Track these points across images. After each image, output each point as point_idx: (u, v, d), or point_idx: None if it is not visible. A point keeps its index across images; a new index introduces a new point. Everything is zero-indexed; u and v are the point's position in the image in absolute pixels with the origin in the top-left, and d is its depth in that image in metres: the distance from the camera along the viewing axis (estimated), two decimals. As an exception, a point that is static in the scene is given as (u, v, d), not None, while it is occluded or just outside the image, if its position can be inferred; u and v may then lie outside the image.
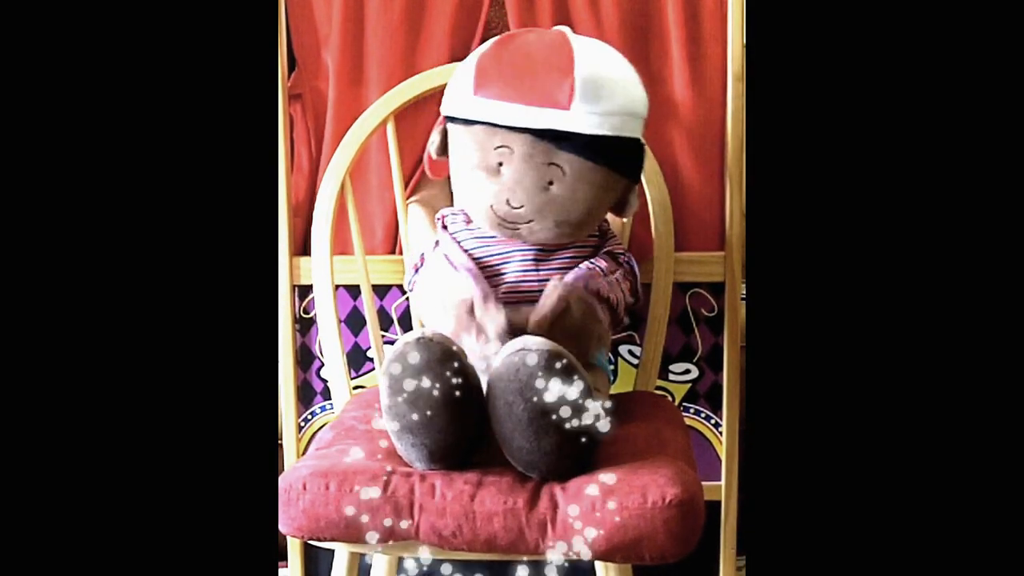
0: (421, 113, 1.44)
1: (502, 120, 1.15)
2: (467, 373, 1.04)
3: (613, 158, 1.16)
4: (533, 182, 1.15)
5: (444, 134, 1.22)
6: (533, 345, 1.01)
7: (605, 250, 1.24)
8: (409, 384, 1.02)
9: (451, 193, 1.32)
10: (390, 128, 1.38)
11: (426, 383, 1.02)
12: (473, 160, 1.17)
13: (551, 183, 1.15)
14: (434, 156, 1.24)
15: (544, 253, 1.21)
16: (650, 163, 1.36)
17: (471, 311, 1.14)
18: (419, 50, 1.44)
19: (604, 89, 1.15)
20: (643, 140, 1.21)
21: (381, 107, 1.38)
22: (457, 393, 1.02)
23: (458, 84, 1.20)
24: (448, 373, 1.02)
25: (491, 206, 1.17)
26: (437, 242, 1.26)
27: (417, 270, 1.27)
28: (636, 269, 1.27)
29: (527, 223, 1.17)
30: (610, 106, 1.15)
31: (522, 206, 1.16)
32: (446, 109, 1.21)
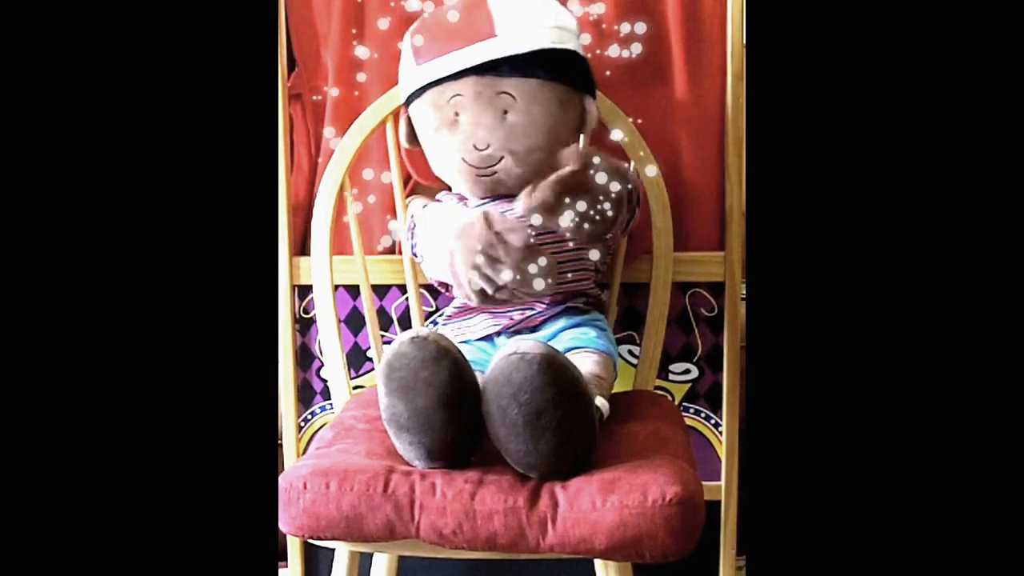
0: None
1: (445, 71, 1.21)
2: (462, 370, 1.04)
3: (555, 71, 1.22)
4: (490, 117, 1.20)
5: (409, 122, 1.28)
6: (526, 349, 1.01)
7: None
8: (405, 383, 1.03)
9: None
10: (390, 128, 1.38)
11: (420, 381, 1.02)
12: (433, 123, 1.23)
13: (506, 112, 1.20)
14: (405, 144, 1.30)
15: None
16: (649, 163, 1.36)
17: (486, 226, 1.16)
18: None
19: (523, 10, 1.22)
20: (581, 52, 1.26)
21: (381, 107, 1.38)
22: (452, 391, 1.02)
23: (404, 67, 1.27)
24: (442, 371, 1.02)
25: (462, 159, 1.22)
26: (425, 205, 1.31)
27: (412, 233, 1.30)
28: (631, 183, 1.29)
29: (500, 162, 1.21)
30: (535, 22, 1.22)
31: (488, 145, 1.21)
32: (402, 98, 1.28)
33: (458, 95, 1.21)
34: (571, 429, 1.02)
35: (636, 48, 1.32)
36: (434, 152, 1.26)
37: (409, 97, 1.27)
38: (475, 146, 1.21)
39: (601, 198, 1.17)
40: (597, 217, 1.17)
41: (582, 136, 1.30)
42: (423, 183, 1.42)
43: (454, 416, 1.03)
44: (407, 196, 1.44)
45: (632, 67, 1.42)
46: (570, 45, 1.24)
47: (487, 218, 1.17)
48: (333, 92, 1.45)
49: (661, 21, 1.42)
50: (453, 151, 1.23)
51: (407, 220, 1.34)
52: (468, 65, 1.21)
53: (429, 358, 1.02)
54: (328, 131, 1.45)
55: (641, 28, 1.33)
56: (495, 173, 1.21)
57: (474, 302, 1.21)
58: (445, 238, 1.20)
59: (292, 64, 1.46)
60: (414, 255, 1.32)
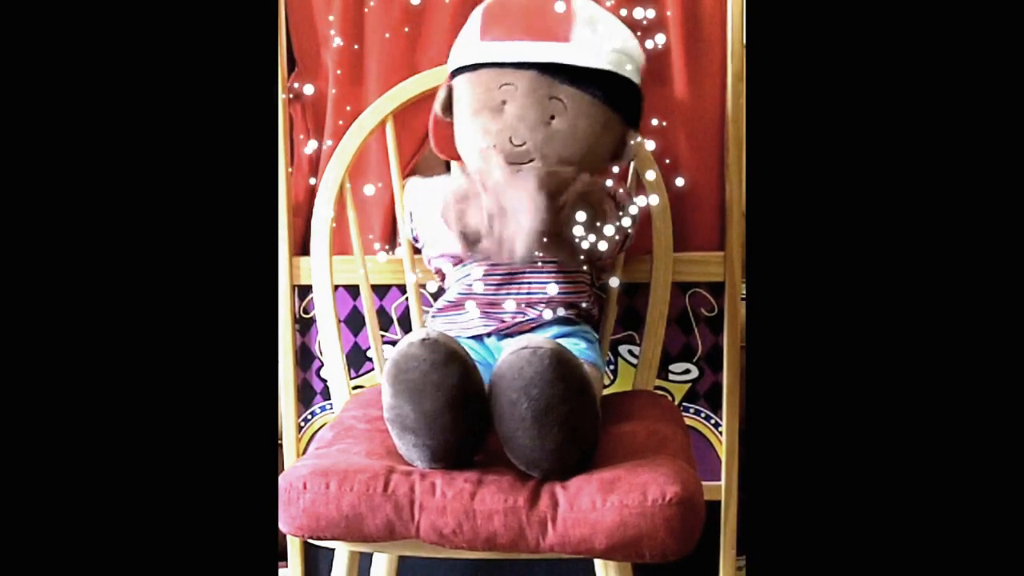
0: (420, 113, 1.44)
1: (508, 57, 1.20)
2: (470, 374, 1.04)
3: (611, 94, 1.21)
4: (535, 116, 1.19)
5: (449, 91, 1.26)
6: (537, 344, 1.01)
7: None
8: (413, 385, 1.02)
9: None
10: (389, 128, 1.38)
11: (429, 384, 1.02)
12: (478, 103, 1.22)
13: (552, 117, 1.19)
14: (439, 112, 1.28)
15: None
16: (649, 163, 1.36)
17: (469, 186, 1.14)
18: (419, 50, 1.44)
19: (602, 26, 1.22)
20: (639, 87, 1.26)
21: (381, 107, 1.38)
22: (460, 394, 1.02)
23: (465, 37, 1.26)
24: (451, 374, 1.02)
25: (493, 145, 1.20)
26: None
27: (411, 217, 1.32)
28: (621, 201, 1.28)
29: (528, 162, 1.19)
30: (608, 43, 1.21)
31: (524, 143, 1.19)
32: (452, 64, 1.26)
33: (511, 84, 1.20)
34: (577, 426, 1.02)
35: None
36: (467, 130, 1.24)
37: (461, 68, 1.25)
38: (511, 139, 1.19)
39: (606, 228, 1.17)
40: (593, 240, 1.14)
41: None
42: (437, 154, 1.40)
43: (460, 419, 1.03)
44: (405, 178, 1.43)
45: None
46: (632, 76, 1.24)
47: (467, 186, 1.16)
48: (333, 92, 1.45)
49: (661, 21, 1.41)
50: (488, 136, 1.21)
51: (404, 209, 1.34)
52: (534, 60, 1.20)
53: (439, 361, 1.02)
54: (328, 131, 1.45)
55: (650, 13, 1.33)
56: (519, 170, 1.19)
57: (466, 251, 1.18)
58: (436, 202, 1.19)
59: (292, 64, 1.46)
60: (415, 240, 1.32)
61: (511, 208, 1.10)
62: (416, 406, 1.02)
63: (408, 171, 1.45)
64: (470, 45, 1.25)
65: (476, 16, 1.26)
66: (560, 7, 1.21)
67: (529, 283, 1.25)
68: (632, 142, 1.25)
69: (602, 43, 1.21)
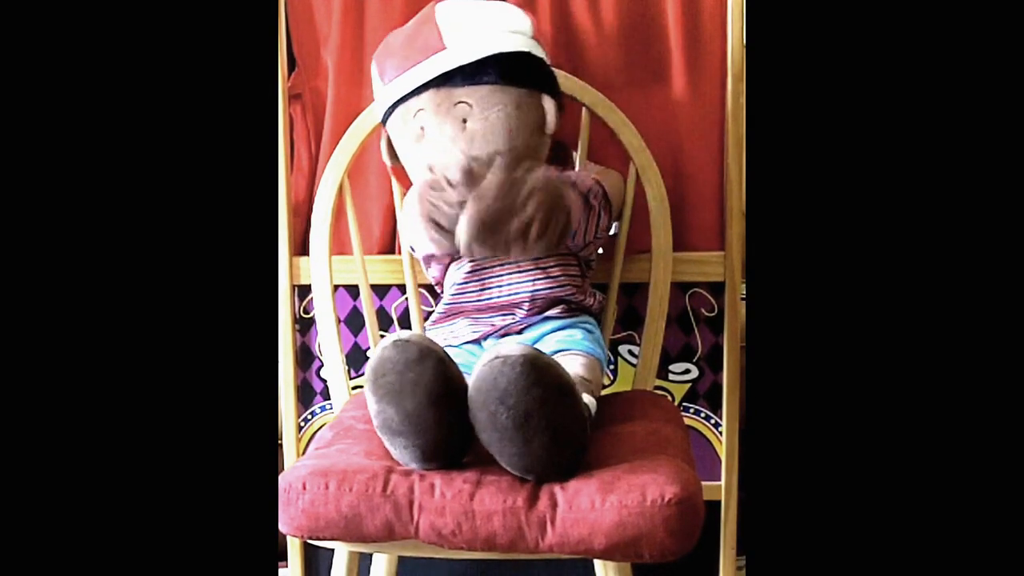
0: (421, 113, 1.44)
1: (406, 89, 1.24)
2: (447, 369, 1.04)
3: (506, 74, 1.23)
4: (450, 128, 1.22)
5: (388, 140, 1.30)
6: (508, 351, 1.01)
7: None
8: (392, 387, 1.03)
9: None
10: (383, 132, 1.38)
11: (407, 383, 1.02)
12: (405, 138, 1.26)
13: (465, 121, 1.22)
14: (388, 162, 1.32)
15: None
16: (650, 162, 1.36)
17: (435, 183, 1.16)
18: (419, 50, 1.44)
19: (469, 19, 1.24)
20: (538, 53, 1.27)
21: (381, 107, 1.38)
22: (439, 389, 1.03)
23: (374, 89, 1.31)
24: (427, 370, 1.02)
25: (429, 168, 1.23)
26: None
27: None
28: (596, 193, 1.28)
29: (468, 175, 1.20)
30: (481, 29, 1.24)
31: (451, 160, 1.21)
32: (378, 115, 1.31)
33: (421, 109, 1.23)
34: (561, 427, 1.02)
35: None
36: (411, 166, 1.28)
37: (384, 116, 1.29)
38: (432, 169, 1.23)
39: (573, 219, 1.17)
40: (542, 228, 1.13)
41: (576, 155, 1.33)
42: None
43: (444, 415, 1.03)
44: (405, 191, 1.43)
45: (632, 67, 1.42)
46: (522, 47, 1.25)
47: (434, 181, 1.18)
48: (333, 92, 1.45)
49: (661, 21, 1.42)
50: (424, 163, 1.24)
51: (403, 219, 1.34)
52: (424, 79, 1.23)
53: (413, 359, 1.02)
54: (328, 131, 1.45)
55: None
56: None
57: (437, 248, 1.19)
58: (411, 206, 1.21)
59: (292, 64, 1.46)
60: (412, 250, 1.33)
61: (476, 195, 1.11)
62: (398, 407, 1.03)
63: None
64: (379, 93, 1.29)
65: (373, 67, 1.30)
66: (427, 22, 1.25)
67: (511, 284, 1.26)
68: (550, 106, 1.26)
69: (474, 33, 1.23)
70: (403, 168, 1.31)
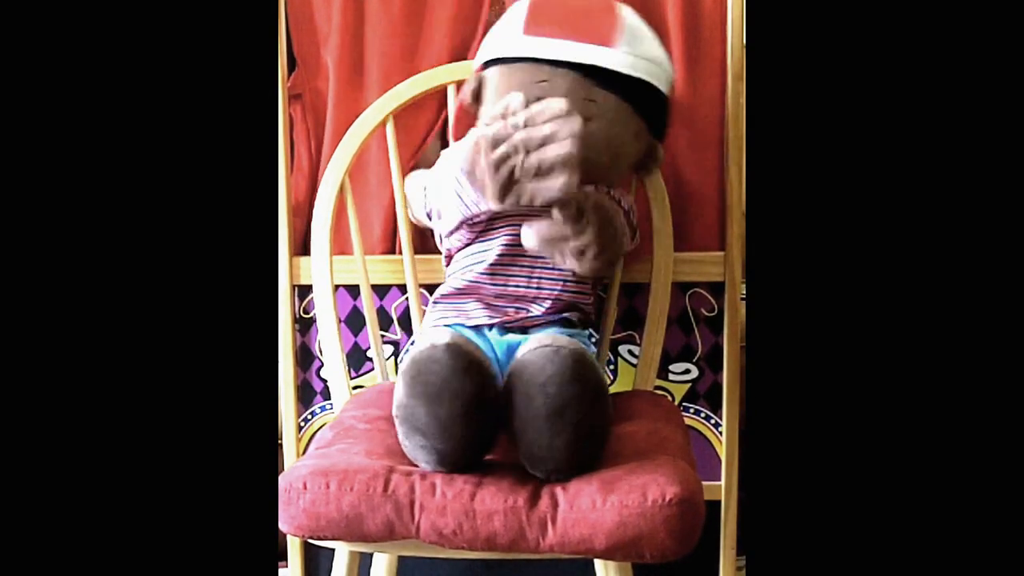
0: (421, 113, 1.44)
1: (549, 55, 1.19)
2: (488, 382, 1.03)
3: (646, 105, 1.22)
4: None
5: (479, 80, 1.25)
6: (561, 343, 1.01)
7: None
8: (431, 388, 1.02)
9: None
10: (390, 128, 1.38)
11: (447, 391, 1.01)
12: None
13: (587, 119, 1.14)
14: (467, 101, 1.26)
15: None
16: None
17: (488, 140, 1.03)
18: (419, 50, 1.44)
19: (644, 37, 1.23)
20: (669, 102, 1.27)
21: (381, 107, 1.39)
22: (476, 403, 1.02)
23: (505, 28, 1.25)
24: (470, 382, 1.02)
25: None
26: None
27: (425, 193, 1.28)
28: (634, 210, 1.29)
29: None
30: (648, 53, 1.22)
31: None
32: (488, 54, 1.25)
33: (548, 82, 1.19)
34: (589, 429, 1.02)
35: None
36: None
37: (495, 60, 1.24)
38: None
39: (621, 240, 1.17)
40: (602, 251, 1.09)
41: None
42: (456, 143, 1.38)
43: (472, 426, 1.03)
44: (407, 174, 1.43)
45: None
46: (665, 89, 1.25)
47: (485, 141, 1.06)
48: (333, 92, 1.45)
49: (661, 21, 1.42)
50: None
51: (415, 189, 1.33)
52: (576, 61, 1.19)
53: (460, 368, 1.01)
54: (328, 131, 1.45)
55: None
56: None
57: (499, 200, 1.03)
58: (465, 155, 1.11)
59: (292, 64, 1.46)
60: (429, 216, 1.29)
61: (545, 138, 1.00)
62: (430, 410, 1.02)
63: (409, 169, 1.45)
64: (512, 37, 1.23)
65: (520, 10, 1.24)
66: (607, 12, 1.22)
67: (540, 278, 1.25)
68: (661, 153, 1.27)
69: (642, 52, 1.22)
70: (470, 115, 1.27)
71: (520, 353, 1.03)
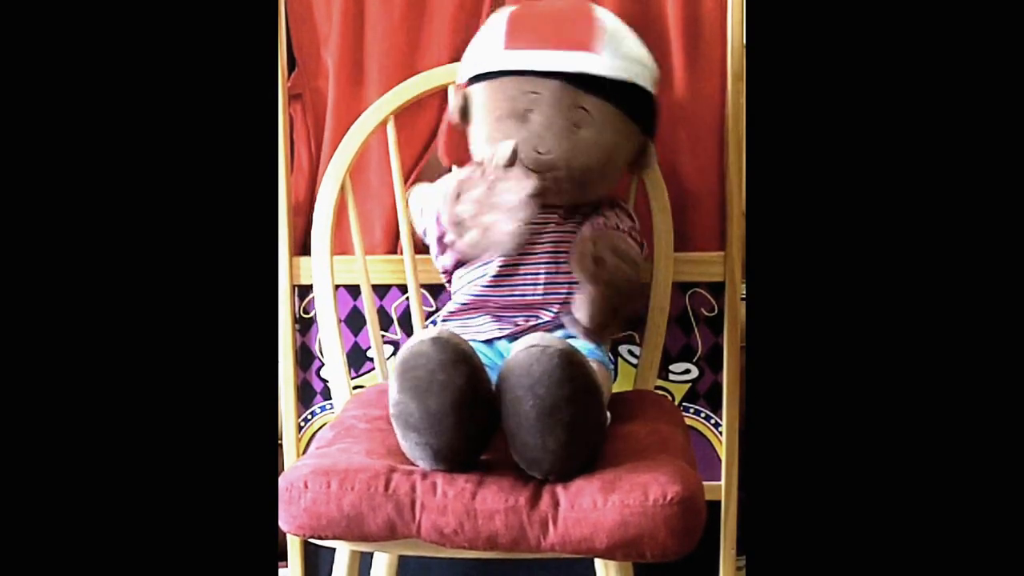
0: (421, 113, 1.44)
1: (533, 66, 1.20)
2: (478, 376, 1.03)
3: (634, 106, 1.23)
4: (562, 125, 1.19)
5: (465, 97, 1.26)
6: (547, 342, 1.01)
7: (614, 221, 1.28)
8: (419, 382, 1.02)
9: None
10: (390, 128, 1.38)
11: (436, 383, 1.02)
12: (501, 110, 1.21)
13: (577, 127, 1.20)
14: (455, 119, 1.28)
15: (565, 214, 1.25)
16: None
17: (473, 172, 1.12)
18: (419, 50, 1.44)
19: (626, 39, 1.24)
20: (656, 100, 1.28)
21: (381, 107, 1.39)
22: (466, 396, 1.02)
23: (485, 43, 1.25)
24: (459, 375, 1.02)
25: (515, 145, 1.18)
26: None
27: (421, 211, 1.29)
28: (636, 222, 1.31)
29: (553, 171, 1.19)
30: (632, 54, 1.23)
31: (549, 152, 1.19)
32: (471, 71, 1.26)
33: (536, 93, 1.20)
34: (582, 428, 1.02)
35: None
36: (488, 138, 1.23)
37: (479, 75, 1.24)
38: (537, 148, 1.19)
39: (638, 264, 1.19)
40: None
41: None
42: (442, 159, 1.39)
43: (465, 420, 1.03)
44: (408, 188, 1.43)
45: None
46: (650, 87, 1.26)
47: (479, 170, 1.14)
48: (333, 92, 1.45)
49: (661, 21, 1.42)
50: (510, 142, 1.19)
51: (414, 207, 1.34)
52: (560, 69, 1.20)
53: (448, 360, 1.01)
54: (328, 131, 1.45)
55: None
56: (544, 179, 1.18)
57: (458, 248, 1.14)
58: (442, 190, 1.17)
59: (292, 64, 1.46)
60: (423, 235, 1.31)
61: (500, 202, 1.08)
62: (421, 404, 1.02)
63: (412, 177, 1.45)
64: (493, 52, 1.24)
65: (499, 24, 1.25)
66: (586, 18, 1.23)
67: (546, 284, 1.25)
68: (654, 152, 1.28)
69: (625, 54, 1.22)
70: (460, 131, 1.28)
71: (510, 354, 1.03)
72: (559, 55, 1.20)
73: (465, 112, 1.26)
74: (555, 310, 1.24)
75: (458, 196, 1.10)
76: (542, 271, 1.24)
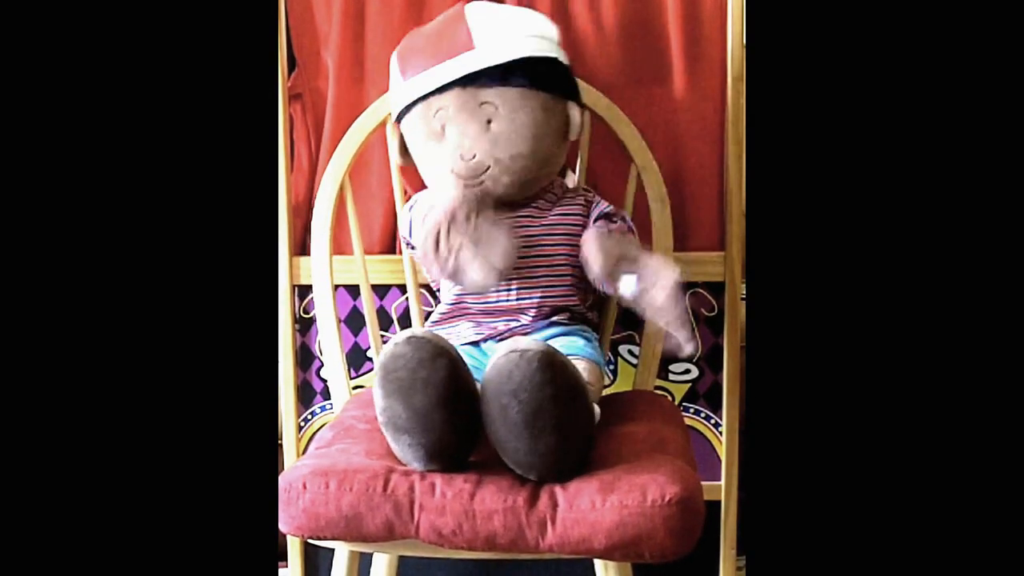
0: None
1: (430, 87, 1.24)
2: (459, 370, 1.04)
3: (535, 79, 1.24)
4: (475, 127, 1.23)
5: (401, 138, 1.31)
6: (525, 346, 1.01)
7: (599, 212, 1.29)
8: (402, 383, 1.02)
9: None
10: (390, 128, 1.38)
11: (418, 381, 1.02)
12: (421, 136, 1.26)
13: (489, 121, 1.23)
14: (399, 160, 1.33)
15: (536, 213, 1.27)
16: (650, 162, 1.36)
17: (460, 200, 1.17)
18: (419, 50, 1.44)
19: (500, 22, 1.25)
20: (563, 60, 1.28)
21: (381, 107, 1.38)
22: (449, 390, 1.02)
23: (393, 83, 1.30)
24: (439, 369, 1.02)
25: (451, 170, 1.23)
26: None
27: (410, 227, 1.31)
28: (632, 225, 1.31)
29: (487, 171, 1.22)
30: (512, 32, 1.25)
31: (474, 155, 1.23)
32: (395, 111, 1.31)
33: (442, 108, 1.24)
34: (570, 428, 1.02)
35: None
36: (425, 165, 1.28)
37: (400, 113, 1.29)
38: (462, 156, 1.23)
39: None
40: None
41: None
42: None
43: (452, 416, 1.03)
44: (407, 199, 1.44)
45: (632, 67, 1.42)
46: (550, 53, 1.27)
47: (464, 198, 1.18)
48: (333, 92, 1.45)
49: (661, 21, 1.42)
50: (442, 161, 1.24)
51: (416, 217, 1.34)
52: (450, 78, 1.23)
53: (427, 357, 1.02)
54: (328, 131, 1.45)
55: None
56: (483, 183, 1.22)
57: (434, 274, 1.23)
58: (421, 220, 1.22)
59: (292, 64, 1.46)
60: (411, 247, 1.32)
61: (484, 242, 1.13)
62: (407, 404, 1.02)
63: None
64: (397, 89, 1.29)
65: (393, 62, 1.30)
66: (457, 21, 1.25)
67: (520, 289, 1.25)
68: (576, 113, 1.27)
69: (505, 36, 1.24)
70: (414, 167, 1.31)
71: (489, 361, 1.03)
72: (445, 66, 1.24)
73: (405, 149, 1.31)
74: (532, 314, 1.25)
75: (437, 241, 1.14)
76: (513, 276, 1.24)
